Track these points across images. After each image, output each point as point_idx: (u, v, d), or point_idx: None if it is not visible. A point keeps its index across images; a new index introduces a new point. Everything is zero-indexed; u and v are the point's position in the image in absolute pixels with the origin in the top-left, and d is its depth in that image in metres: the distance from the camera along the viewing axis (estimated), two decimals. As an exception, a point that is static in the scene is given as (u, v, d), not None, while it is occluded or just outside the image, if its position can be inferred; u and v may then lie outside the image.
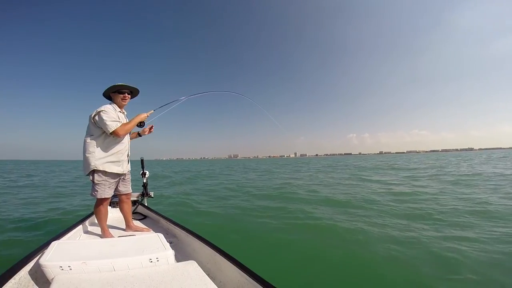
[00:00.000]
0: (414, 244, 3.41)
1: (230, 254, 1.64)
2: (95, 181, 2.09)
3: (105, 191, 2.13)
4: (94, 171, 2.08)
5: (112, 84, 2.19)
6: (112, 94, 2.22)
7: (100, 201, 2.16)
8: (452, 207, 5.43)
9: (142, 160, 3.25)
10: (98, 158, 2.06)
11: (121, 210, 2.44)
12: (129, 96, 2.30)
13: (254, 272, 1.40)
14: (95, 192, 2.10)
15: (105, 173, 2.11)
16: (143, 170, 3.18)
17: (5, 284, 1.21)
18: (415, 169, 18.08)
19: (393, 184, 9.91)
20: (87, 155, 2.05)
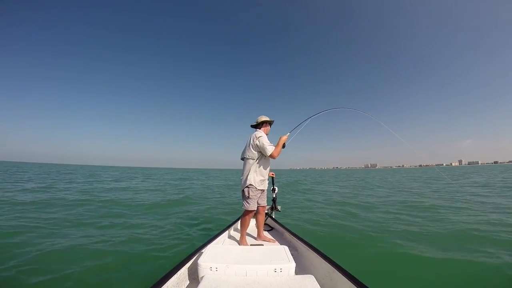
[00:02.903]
0: None
1: (349, 272, 1.55)
2: (250, 196, 2.55)
3: (254, 204, 2.57)
4: (248, 187, 2.55)
5: (264, 116, 2.76)
6: (263, 123, 2.76)
7: (248, 212, 2.60)
8: None
9: (272, 178, 3.54)
10: (254, 176, 2.56)
11: (256, 221, 2.83)
12: None
13: None
14: (247, 205, 2.56)
15: (256, 189, 2.56)
16: (273, 186, 3.53)
17: (173, 276, 1.61)
18: None
19: None
20: (248, 174, 2.57)
